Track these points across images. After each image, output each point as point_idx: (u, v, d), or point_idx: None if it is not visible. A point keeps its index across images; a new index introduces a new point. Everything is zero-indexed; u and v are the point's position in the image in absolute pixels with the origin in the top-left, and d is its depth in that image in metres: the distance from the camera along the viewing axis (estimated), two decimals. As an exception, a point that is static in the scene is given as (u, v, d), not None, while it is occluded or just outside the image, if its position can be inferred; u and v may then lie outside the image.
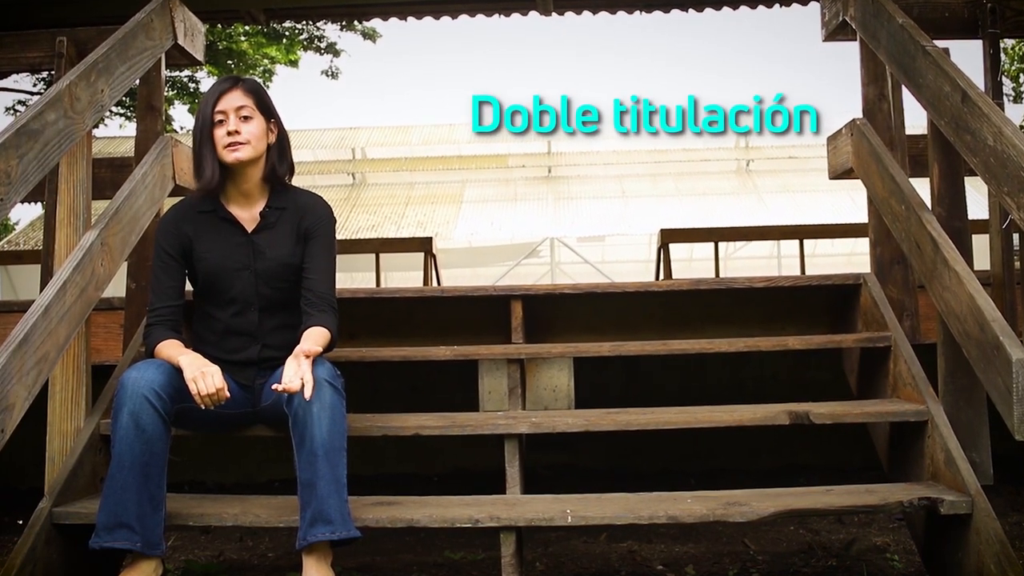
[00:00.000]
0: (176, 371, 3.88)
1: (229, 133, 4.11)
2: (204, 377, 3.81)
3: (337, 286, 4.28)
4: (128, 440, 3.68)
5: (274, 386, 3.83)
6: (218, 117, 4.14)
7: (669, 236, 11.24)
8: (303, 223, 4.26)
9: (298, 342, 3.96)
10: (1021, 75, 18.92)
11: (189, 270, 4.26)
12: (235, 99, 4.16)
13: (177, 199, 4.60)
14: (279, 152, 4.29)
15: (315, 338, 3.98)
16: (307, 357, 3.81)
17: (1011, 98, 18.62)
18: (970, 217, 4.71)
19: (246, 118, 4.16)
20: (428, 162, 26.26)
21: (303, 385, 3.72)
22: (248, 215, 4.25)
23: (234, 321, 4.21)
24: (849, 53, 5.60)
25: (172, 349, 4.00)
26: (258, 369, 4.20)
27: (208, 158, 4.13)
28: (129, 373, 3.80)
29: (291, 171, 4.37)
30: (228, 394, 3.87)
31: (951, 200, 4.63)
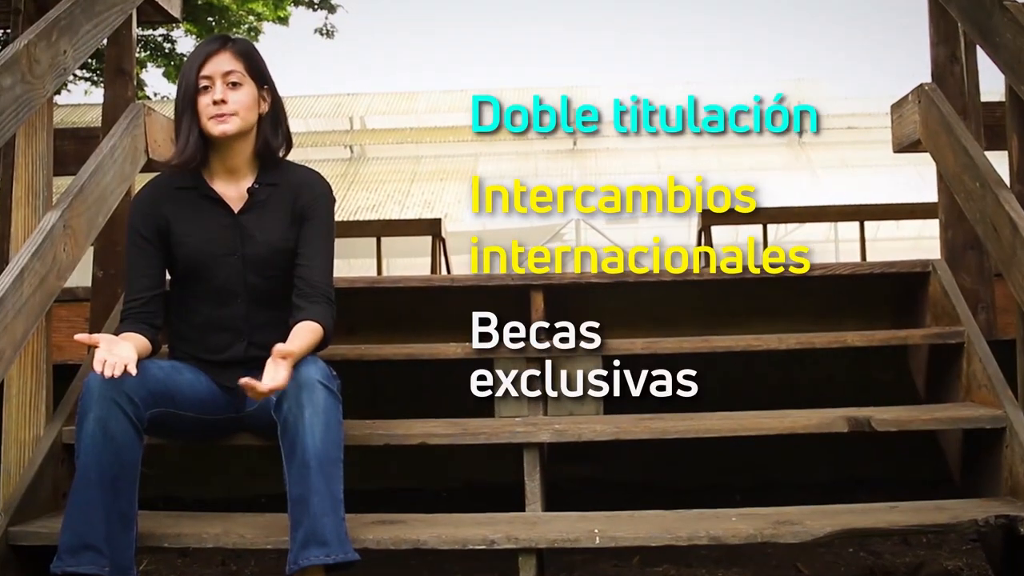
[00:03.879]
0: (160, 373, 3.89)
1: (215, 102, 4.03)
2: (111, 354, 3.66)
3: (335, 273, 4.25)
4: (95, 450, 3.61)
5: (241, 380, 3.74)
6: (203, 83, 4.06)
7: (711, 218, 11.20)
8: (298, 202, 4.18)
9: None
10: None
11: (167, 255, 4.17)
12: (223, 63, 4.08)
13: (151, 175, 4.52)
14: (272, 123, 4.22)
15: (302, 336, 3.94)
16: (284, 359, 3.75)
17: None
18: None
19: (235, 84, 4.08)
20: (436, 133, 26.28)
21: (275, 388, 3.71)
22: (235, 193, 4.17)
23: (217, 314, 4.14)
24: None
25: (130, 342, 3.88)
26: (243, 369, 3.94)
27: (190, 129, 4.05)
28: (96, 374, 3.65)
29: (288, 144, 4.33)
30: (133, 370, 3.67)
31: (1033, 176, 4.61)
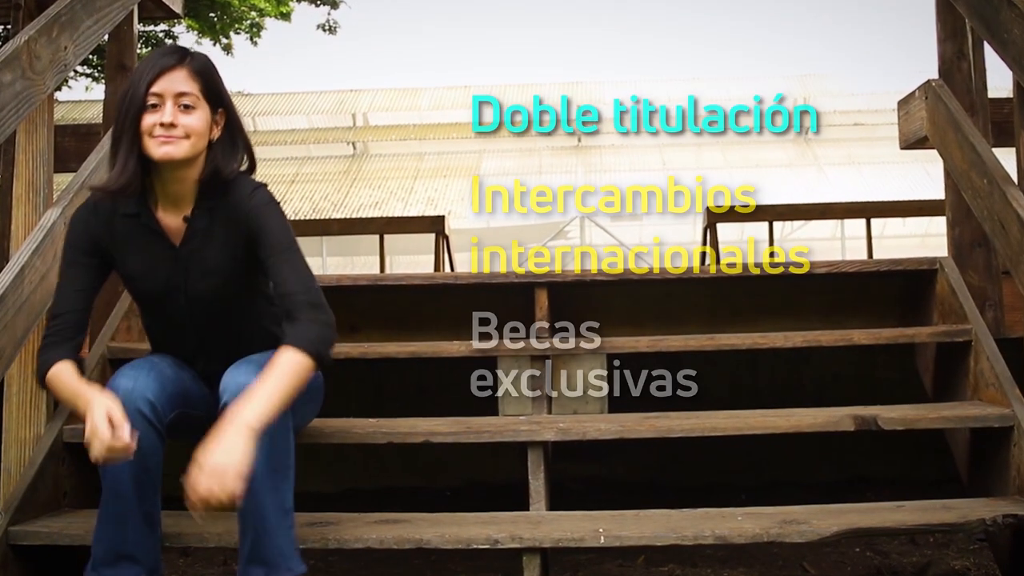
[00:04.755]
0: (172, 373, 3.77)
1: (163, 124, 3.60)
2: (95, 436, 3.34)
3: (338, 271, 4.19)
4: (123, 465, 3.50)
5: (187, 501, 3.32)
6: (151, 100, 3.62)
7: (716, 215, 11.21)
8: (241, 227, 3.76)
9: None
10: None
11: (106, 273, 3.89)
12: (177, 82, 3.66)
13: None
14: (226, 148, 3.79)
15: (275, 383, 3.44)
16: (249, 430, 3.33)
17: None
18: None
19: (187, 107, 3.66)
20: (440, 129, 26.26)
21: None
22: (176, 223, 3.79)
23: (171, 337, 3.95)
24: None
25: (71, 382, 3.60)
26: (216, 370, 3.81)
27: (129, 151, 3.61)
28: (120, 382, 3.56)
29: (251, 167, 3.94)
30: (132, 451, 3.38)
31: (1040, 173, 4.61)
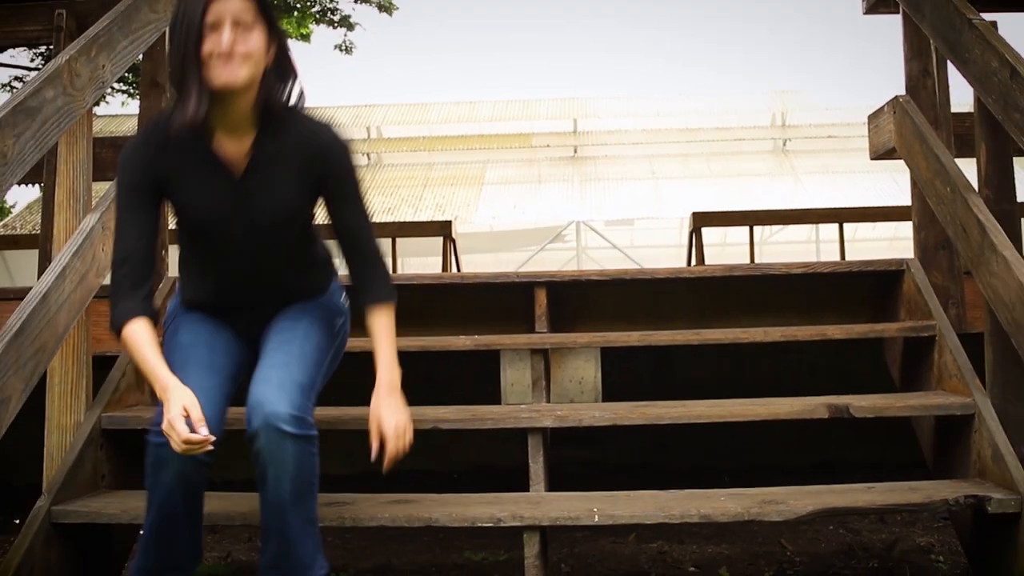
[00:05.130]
0: (223, 383, 3.51)
1: (221, 52, 3.30)
2: (172, 431, 3.18)
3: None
4: (175, 498, 3.35)
5: (374, 445, 3.51)
6: (210, 20, 3.31)
7: (701, 220, 11.22)
8: (314, 164, 3.53)
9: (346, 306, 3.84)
10: (1075, 49, 18.82)
11: (163, 210, 3.70)
12: (232, 2, 3.33)
13: None
14: (278, 75, 3.48)
15: (388, 334, 3.70)
16: (394, 393, 3.59)
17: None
18: (1020, 200, 4.69)
19: (245, 27, 3.35)
20: (447, 141, 26.20)
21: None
22: (237, 153, 3.49)
23: (224, 278, 3.68)
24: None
25: (146, 352, 3.40)
26: (260, 313, 3.71)
27: (198, 81, 3.29)
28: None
29: (301, 95, 3.58)
30: (212, 442, 3.22)
31: (999, 182, 4.60)
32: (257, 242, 3.57)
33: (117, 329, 3.46)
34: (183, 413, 3.18)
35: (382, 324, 3.68)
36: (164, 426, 3.20)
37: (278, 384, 3.35)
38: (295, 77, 3.54)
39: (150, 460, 3.35)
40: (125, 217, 3.54)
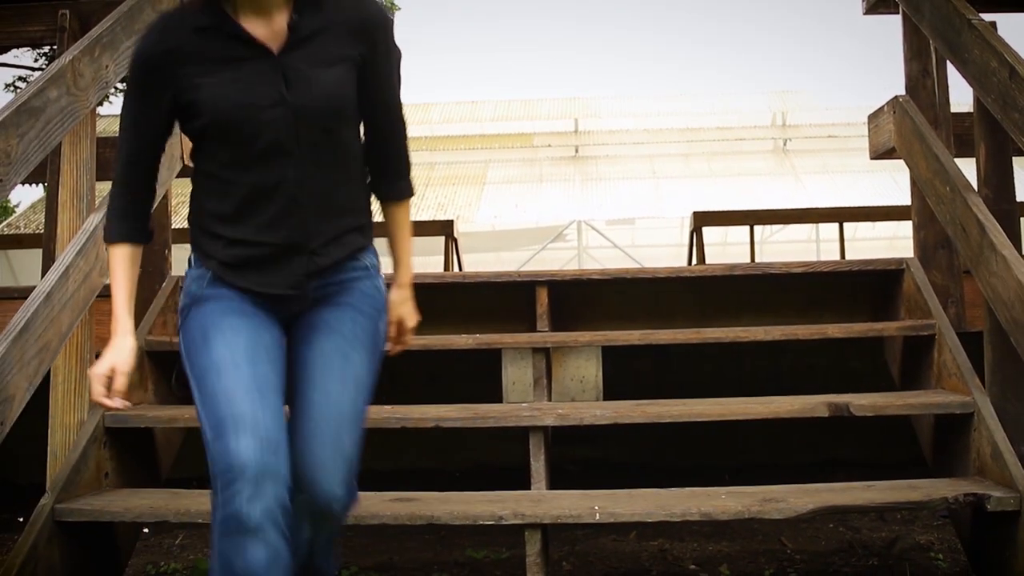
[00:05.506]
0: (277, 406, 2.90)
1: None
2: (92, 383, 2.91)
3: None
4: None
5: (392, 332, 3.35)
6: None
7: (702, 219, 11.22)
8: (358, 40, 3.01)
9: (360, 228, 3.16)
10: (1074, 49, 18.81)
11: (182, 118, 3.02)
12: None
13: (185, 179, 3.77)
14: None
15: (407, 235, 3.33)
16: (405, 288, 3.37)
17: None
18: (1019, 199, 4.70)
19: None
20: (449, 141, 26.16)
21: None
22: (268, 30, 2.93)
23: (261, 201, 2.96)
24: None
25: (118, 285, 3.08)
26: (309, 259, 3.04)
27: None
28: (242, 445, 2.75)
29: None
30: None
31: (998, 181, 4.62)
32: (304, 137, 2.93)
33: (108, 242, 3.13)
34: (107, 374, 2.91)
35: (403, 219, 3.31)
36: (89, 372, 2.96)
37: (332, 466, 2.93)
38: None
39: (225, 519, 2.76)
40: (134, 116, 3.05)
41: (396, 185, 3.27)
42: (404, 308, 3.37)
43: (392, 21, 3.13)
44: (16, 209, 26.02)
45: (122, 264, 3.08)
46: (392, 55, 3.13)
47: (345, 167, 3.08)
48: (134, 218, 3.11)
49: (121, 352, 2.98)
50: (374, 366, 3.12)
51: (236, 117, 2.89)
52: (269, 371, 2.94)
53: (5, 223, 24.33)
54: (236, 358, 2.90)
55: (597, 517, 3.78)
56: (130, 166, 3.10)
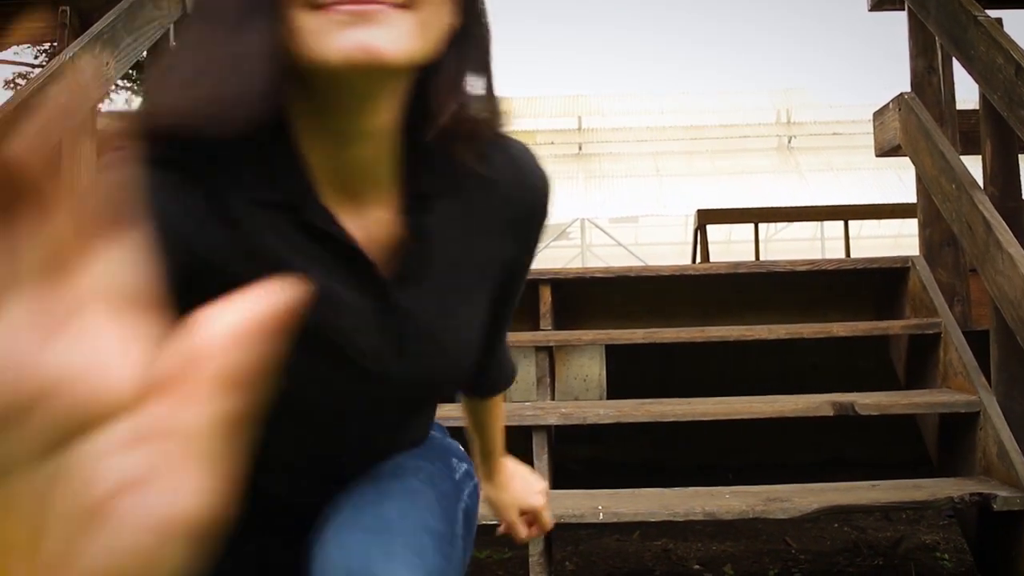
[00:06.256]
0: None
1: None
2: None
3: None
4: None
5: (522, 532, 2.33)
6: None
7: (706, 217, 11.20)
8: (511, 230, 1.61)
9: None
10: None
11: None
12: None
13: None
14: (465, 50, 1.37)
15: (502, 434, 2.31)
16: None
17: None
18: (1025, 197, 4.69)
19: None
20: (452, 139, 26.19)
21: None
22: (359, 229, 1.41)
23: (305, 443, 1.61)
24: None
25: None
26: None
27: (255, 34, 1.17)
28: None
29: (496, 116, 1.43)
30: None
31: (1004, 179, 4.60)
32: (391, 406, 1.66)
33: None
34: None
35: (500, 406, 2.24)
36: None
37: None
38: (487, 61, 1.44)
39: None
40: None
41: (503, 373, 2.14)
42: (526, 483, 2.41)
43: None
44: (18, 207, 26.00)
45: None
46: (536, 243, 1.73)
47: (432, 404, 2.03)
48: None
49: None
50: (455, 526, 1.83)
51: (298, 384, 1.42)
52: None
53: (7, 221, 24.31)
54: None
55: (600, 517, 3.76)
56: None
